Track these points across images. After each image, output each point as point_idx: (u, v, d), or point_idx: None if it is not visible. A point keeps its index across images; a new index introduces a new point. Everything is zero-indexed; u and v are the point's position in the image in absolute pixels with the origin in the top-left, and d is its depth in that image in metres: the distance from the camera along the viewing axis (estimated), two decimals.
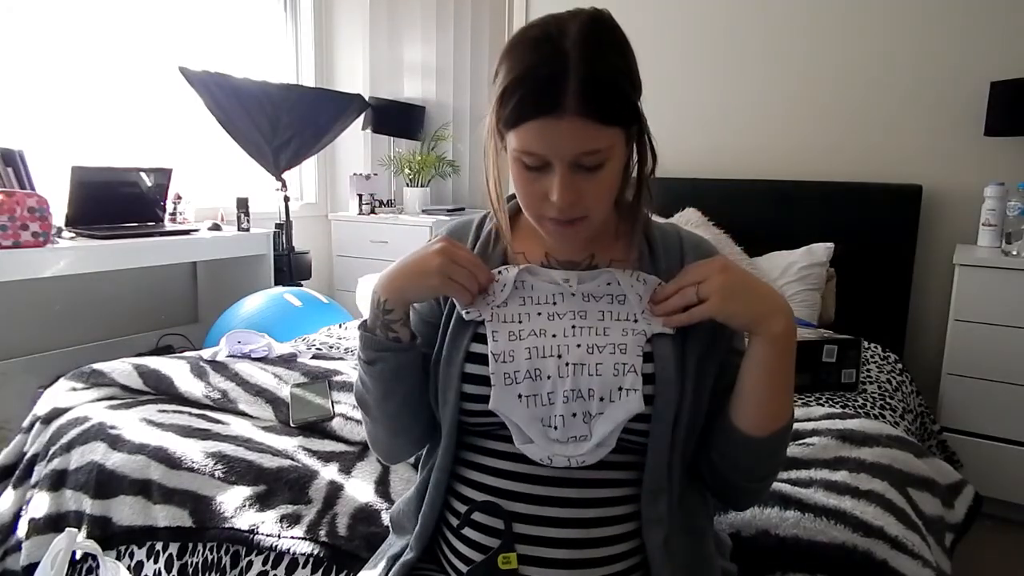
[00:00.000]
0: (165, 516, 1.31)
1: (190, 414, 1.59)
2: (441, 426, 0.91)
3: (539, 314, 0.89)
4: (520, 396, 0.84)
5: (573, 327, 0.87)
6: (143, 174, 2.93)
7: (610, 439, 0.83)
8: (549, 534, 0.85)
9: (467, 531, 0.89)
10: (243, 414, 1.62)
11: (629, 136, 0.85)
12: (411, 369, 0.92)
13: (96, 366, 1.74)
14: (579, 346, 0.85)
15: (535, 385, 0.85)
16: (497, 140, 0.86)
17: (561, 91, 0.77)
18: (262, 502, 1.27)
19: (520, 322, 0.88)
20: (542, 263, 0.94)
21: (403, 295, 0.89)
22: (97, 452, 1.43)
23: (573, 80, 0.77)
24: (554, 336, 0.87)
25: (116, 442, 1.44)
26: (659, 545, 0.86)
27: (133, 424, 1.51)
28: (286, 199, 3.34)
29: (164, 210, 3.03)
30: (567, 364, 0.84)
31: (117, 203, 2.83)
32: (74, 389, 1.69)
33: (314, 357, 1.95)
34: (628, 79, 0.82)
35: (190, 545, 1.28)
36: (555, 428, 0.84)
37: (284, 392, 1.64)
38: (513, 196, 0.98)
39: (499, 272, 0.92)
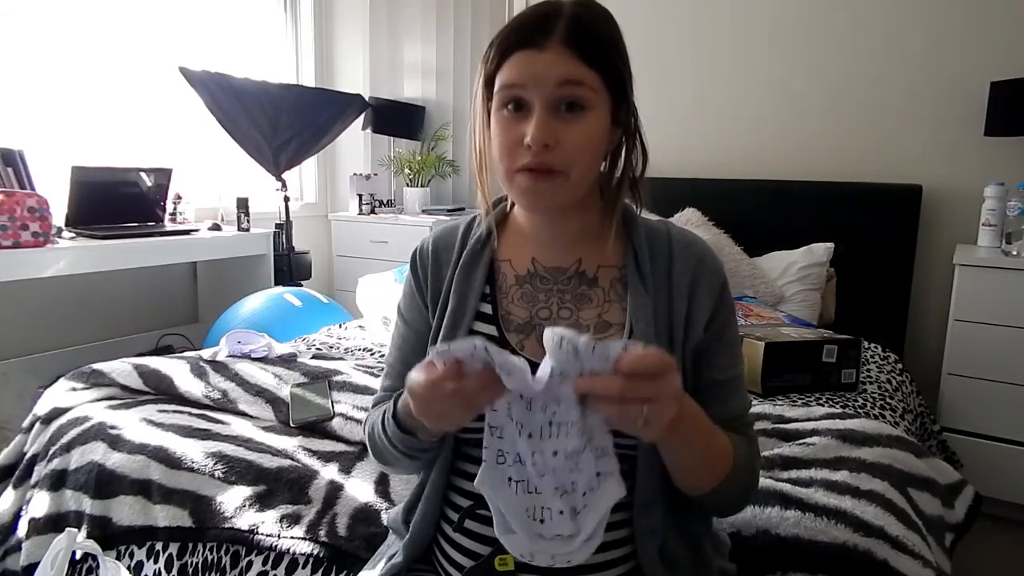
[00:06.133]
0: (165, 516, 1.31)
1: (190, 414, 1.59)
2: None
3: (520, 396, 0.75)
4: (510, 480, 0.76)
5: (550, 424, 0.74)
6: (143, 174, 2.93)
7: (598, 532, 0.76)
8: None
9: (461, 538, 0.89)
10: (243, 414, 1.62)
11: (613, 97, 0.85)
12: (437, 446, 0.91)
13: (96, 366, 1.74)
14: (555, 454, 0.74)
15: (523, 470, 0.76)
16: (484, 97, 0.87)
17: (549, 29, 0.81)
18: (262, 502, 1.27)
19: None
20: (528, 270, 0.93)
21: (443, 428, 0.84)
22: (97, 452, 1.43)
23: (562, 21, 0.82)
24: (530, 437, 0.75)
25: (116, 442, 1.44)
26: (653, 554, 0.85)
27: (133, 424, 1.51)
28: (286, 199, 3.34)
29: (164, 210, 3.03)
30: (550, 466, 0.75)
31: (117, 203, 2.83)
32: (74, 389, 1.69)
33: (314, 357, 1.95)
34: (614, 44, 0.85)
35: (190, 545, 1.28)
36: (541, 522, 0.76)
37: (284, 392, 1.64)
38: (502, 199, 0.98)
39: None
